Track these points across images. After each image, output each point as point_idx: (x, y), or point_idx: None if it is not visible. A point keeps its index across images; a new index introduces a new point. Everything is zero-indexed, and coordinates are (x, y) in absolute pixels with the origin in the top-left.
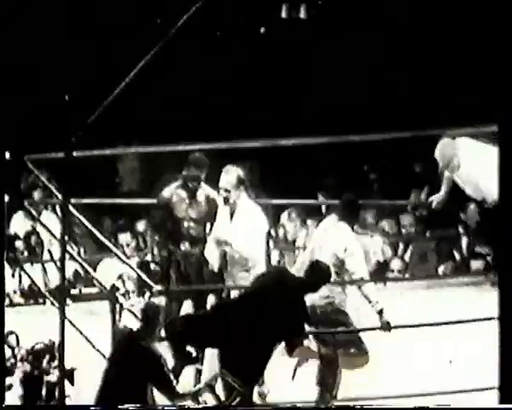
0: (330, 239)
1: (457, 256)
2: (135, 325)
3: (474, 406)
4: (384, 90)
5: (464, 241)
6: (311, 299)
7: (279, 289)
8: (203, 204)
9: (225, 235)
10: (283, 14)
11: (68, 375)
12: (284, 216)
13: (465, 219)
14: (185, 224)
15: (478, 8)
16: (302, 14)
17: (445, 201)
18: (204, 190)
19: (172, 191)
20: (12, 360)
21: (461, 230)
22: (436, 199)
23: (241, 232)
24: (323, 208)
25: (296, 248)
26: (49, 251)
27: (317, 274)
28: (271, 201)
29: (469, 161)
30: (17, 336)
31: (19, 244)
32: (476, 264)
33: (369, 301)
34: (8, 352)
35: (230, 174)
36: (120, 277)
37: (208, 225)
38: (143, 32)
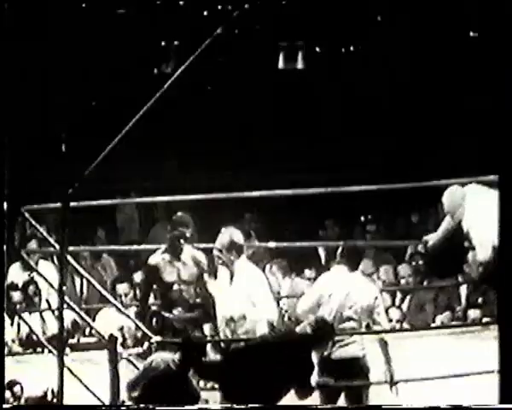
0: (357, 289)
1: (456, 306)
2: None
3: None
4: (384, 140)
5: (463, 290)
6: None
7: (284, 343)
8: (190, 265)
9: (230, 309)
10: (280, 65)
11: None
12: (266, 269)
13: (466, 267)
14: (175, 287)
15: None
16: (299, 64)
17: (441, 241)
18: (189, 251)
19: (159, 256)
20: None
21: (460, 279)
22: (432, 239)
23: (243, 298)
24: (323, 259)
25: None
26: (47, 301)
27: (323, 330)
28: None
29: (475, 207)
30: (21, 386)
31: (17, 294)
32: (475, 314)
33: (388, 360)
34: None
35: (224, 235)
36: (120, 330)
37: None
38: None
